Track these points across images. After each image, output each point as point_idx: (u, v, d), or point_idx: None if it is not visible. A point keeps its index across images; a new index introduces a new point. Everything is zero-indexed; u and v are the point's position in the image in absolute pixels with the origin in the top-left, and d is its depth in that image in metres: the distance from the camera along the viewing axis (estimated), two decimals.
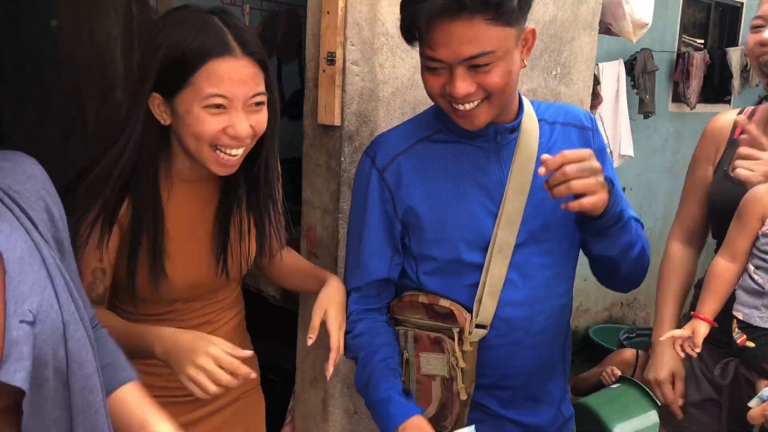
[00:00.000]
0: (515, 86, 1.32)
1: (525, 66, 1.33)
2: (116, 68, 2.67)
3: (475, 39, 1.20)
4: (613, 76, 4.38)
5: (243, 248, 1.50)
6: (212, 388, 1.20)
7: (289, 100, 3.32)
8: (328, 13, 1.68)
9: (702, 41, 5.82)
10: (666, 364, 1.74)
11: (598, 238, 1.37)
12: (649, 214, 5.29)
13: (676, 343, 1.52)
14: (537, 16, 2.14)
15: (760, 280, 1.46)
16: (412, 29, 1.25)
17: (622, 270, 1.44)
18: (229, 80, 1.26)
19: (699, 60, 5.23)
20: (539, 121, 1.43)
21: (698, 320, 1.51)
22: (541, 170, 1.22)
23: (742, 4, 5.89)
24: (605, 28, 2.57)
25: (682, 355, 1.52)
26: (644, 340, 3.95)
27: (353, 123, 1.74)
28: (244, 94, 1.28)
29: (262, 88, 1.32)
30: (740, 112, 1.77)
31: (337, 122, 1.72)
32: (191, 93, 1.26)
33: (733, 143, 1.71)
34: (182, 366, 1.22)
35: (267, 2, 3.38)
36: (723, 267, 1.52)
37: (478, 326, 1.39)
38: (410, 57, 1.82)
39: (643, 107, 4.75)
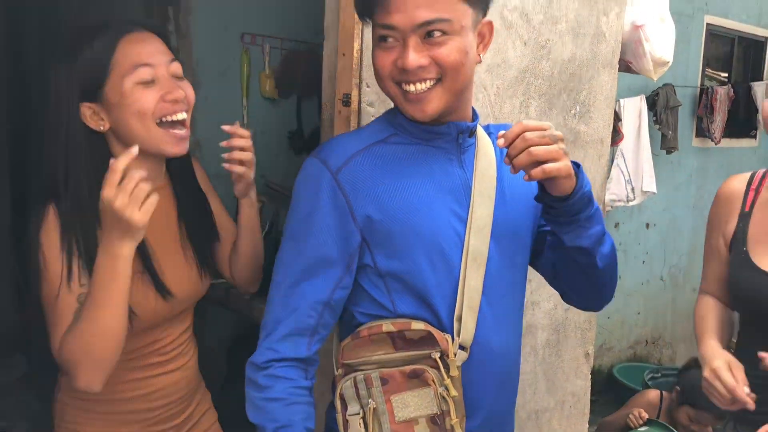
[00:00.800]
0: (470, 76, 1.24)
1: (480, 62, 1.25)
2: None
3: (432, 4, 1.14)
4: (635, 111, 4.34)
5: (209, 236, 1.54)
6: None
7: (309, 136, 3.35)
8: (344, 55, 1.69)
9: (726, 75, 5.78)
10: (717, 355, 1.55)
11: (570, 226, 1.23)
12: (674, 251, 5.20)
13: None
14: (555, 55, 2.13)
15: None
16: None
17: (598, 266, 1.28)
18: (146, 51, 1.32)
19: (723, 94, 5.18)
20: (489, 135, 1.36)
21: None
22: (500, 142, 1.14)
23: (766, 38, 5.85)
24: (625, 67, 2.54)
25: None
26: (670, 380, 3.86)
27: None
28: (165, 60, 1.35)
29: (173, 56, 1.38)
30: (751, 177, 1.70)
31: None
32: (117, 74, 1.30)
33: (745, 217, 1.65)
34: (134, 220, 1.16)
35: (287, 41, 3.41)
36: None
37: (460, 347, 1.22)
38: None
39: (666, 143, 4.70)
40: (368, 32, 1.68)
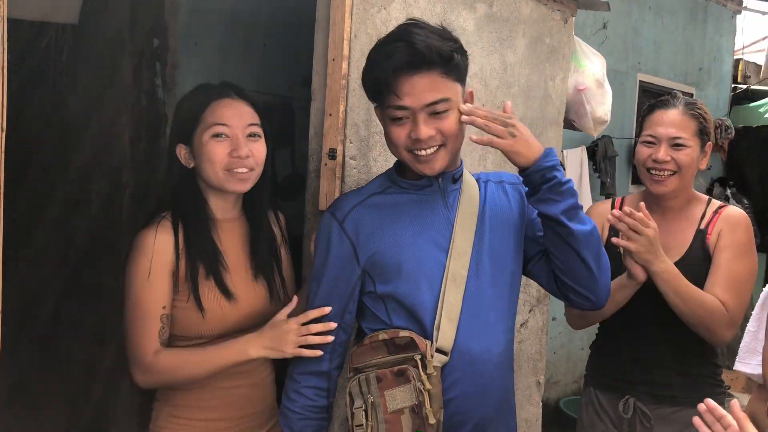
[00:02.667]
0: (463, 137, 1.55)
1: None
2: (124, 154, 2.87)
3: (434, 88, 1.45)
4: (577, 161, 4.72)
5: (282, 268, 1.80)
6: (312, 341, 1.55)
7: (281, 182, 3.56)
8: (330, 115, 1.92)
9: None
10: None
11: (536, 195, 1.51)
12: None
13: None
14: None
15: None
16: (379, 84, 1.47)
17: (575, 234, 1.49)
18: (228, 114, 1.65)
19: None
20: (477, 180, 1.67)
21: None
22: (464, 118, 1.48)
23: (692, 94, 6.37)
24: (569, 124, 2.86)
25: None
26: None
27: None
28: (240, 124, 1.66)
29: (256, 121, 1.69)
30: (612, 203, 2.13)
31: None
32: (201, 128, 1.64)
33: (612, 228, 1.99)
34: (283, 349, 1.55)
35: (262, 95, 3.65)
36: None
37: (438, 351, 1.48)
38: None
39: (605, 189, 5.08)
40: (352, 95, 1.94)
